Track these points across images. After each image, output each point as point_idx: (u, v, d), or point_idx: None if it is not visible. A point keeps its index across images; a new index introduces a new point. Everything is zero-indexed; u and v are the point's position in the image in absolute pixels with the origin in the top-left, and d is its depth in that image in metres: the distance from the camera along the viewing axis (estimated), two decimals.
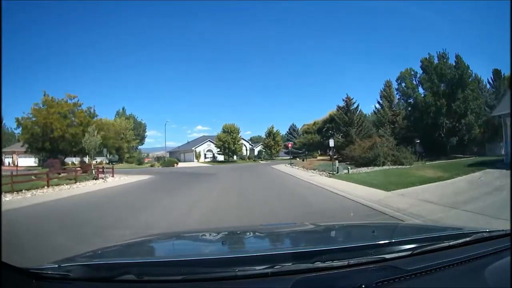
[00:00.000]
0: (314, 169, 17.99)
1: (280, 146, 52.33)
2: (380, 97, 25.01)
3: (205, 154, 51.50)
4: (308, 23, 73.33)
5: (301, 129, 39.98)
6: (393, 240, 1.31)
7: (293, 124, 54.21)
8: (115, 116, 50.48)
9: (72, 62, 69.63)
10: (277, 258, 1.08)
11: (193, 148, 50.79)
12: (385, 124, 23.03)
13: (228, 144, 46.97)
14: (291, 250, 1.27)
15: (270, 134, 52.34)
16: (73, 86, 75.74)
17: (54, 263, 1.13)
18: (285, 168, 23.62)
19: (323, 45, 76.39)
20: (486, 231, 1.40)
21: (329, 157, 35.45)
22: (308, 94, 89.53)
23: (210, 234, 2.05)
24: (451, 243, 1.25)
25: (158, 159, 44.43)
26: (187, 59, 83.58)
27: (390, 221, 4.85)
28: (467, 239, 1.30)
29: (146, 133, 57.45)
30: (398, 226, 2.38)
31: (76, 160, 43.36)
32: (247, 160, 53.33)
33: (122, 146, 44.16)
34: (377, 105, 26.05)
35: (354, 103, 26.79)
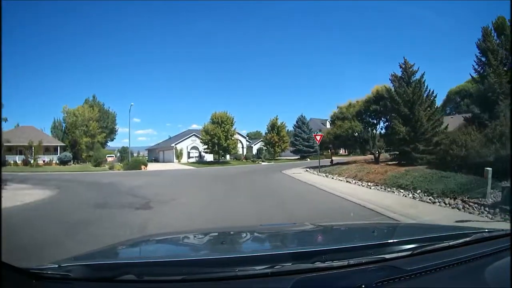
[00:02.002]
0: (398, 186, 9.57)
1: (286, 143, 39.78)
2: (481, 51, 12.89)
3: (188, 153, 38.02)
4: (308, 22, 77.23)
5: (328, 116, 28.01)
6: (393, 240, 1.33)
7: (302, 116, 42.29)
8: (84, 104, 43.48)
9: (66, 61, 73.44)
10: (277, 258, 1.11)
11: (172, 145, 37.61)
12: (500, 97, 10.94)
13: (218, 139, 39.06)
14: (291, 250, 1.30)
15: (274, 127, 39.27)
16: (71, 87, 75.58)
17: (54, 263, 1.15)
18: (317, 178, 15.34)
19: (323, 44, 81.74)
20: (486, 231, 1.42)
21: (368, 156, 22.83)
22: (309, 90, 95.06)
23: (210, 234, 2.06)
24: (451, 243, 1.27)
25: (122, 159, 37.02)
26: (183, 57, 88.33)
27: (390, 221, 4.91)
28: (467, 239, 1.32)
29: (116, 126, 49.77)
30: (398, 226, 2.48)
31: (19, 159, 35.43)
32: (244, 160, 39.95)
33: (79, 141, 37.90)
34: (476, 66, 14.02)
35: (416, 71, 17.47)
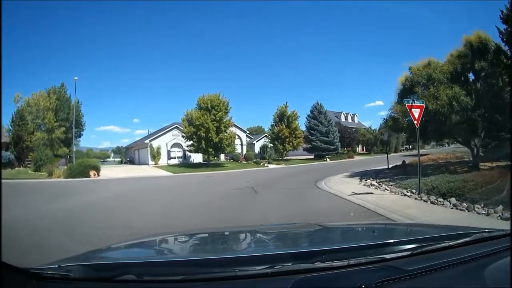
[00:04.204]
0: None
1: (299, 138, 27.40)
2: None
3: (169, 152, 25.23)
4: (307, 21, 74.88)
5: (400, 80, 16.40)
6: (393, 240, 1.37)
7: (318, 104, 30.38)
8: (39, 91, 34.29)
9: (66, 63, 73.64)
10: (277, 258, 1.14)
11: (146, 142, 24.97)
12: None
13: (206, 131, 26.82)
14: (291, 250, 1.34)
15: (283, 117, 27.02)
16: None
17: (54, 263, 1.19)
18: None
19: (321, 44, 77.15)
20: (486, 231, 1.47)
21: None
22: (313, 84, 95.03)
23: (210, 234, 2.10)
24: (451, 243, 1.30)
25: (69, 159, 29.46)
26: (181, 55, 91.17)
27: (390, 222, 5.06)
28: (467, 239, 1.35)
29: (83, 119, 40.77)
30: (398, 226, 2.58)
31: None
32: (243, 162, 26.85)
33: (23, 137, 28.25)
34: None
35: None
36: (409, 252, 1.20)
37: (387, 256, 1.16)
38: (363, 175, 15.21)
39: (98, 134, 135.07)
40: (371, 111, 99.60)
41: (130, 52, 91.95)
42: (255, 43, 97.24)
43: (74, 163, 24.96)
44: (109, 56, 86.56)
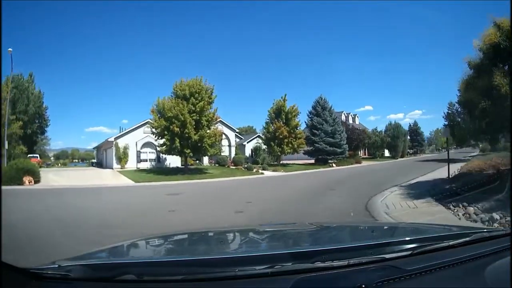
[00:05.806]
0: None
1: (300, 138, 20.23)
2: None
3: (139, 153, 17.39)
4: (302, 22, 70.37)
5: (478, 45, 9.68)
6: (393, 240, 1.39)
7: (321, 98, 23.49)
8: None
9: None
10: (277, 258, 1.16)
11: (111, 139, 17.38)
12: None
13: (182, 126, 20.17)
14: (291, 250, 1.37)
15: (280, 113, 19.82)
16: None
17: (54, 263, 1.22)
18: None
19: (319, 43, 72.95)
20: (486, 231, 1.48)
21: None
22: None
23: (210, 234, 2.10)
24: (451, 243, 1.32)
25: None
26: (172, 55, 79.75)
27: (390, 222, 5.08)
28: (467, 239, 1.37)
29: (47, 113, 35.96)
30: (398, 226, 2.54)
31: None
32: (232, 167, 18.91)
33: None
34: None
35: None
36: (409, 252, 1.21)
37: (387, 256, 1.17)
38: (431, 193, 9.25)
39: (88, 134, 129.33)
40: (361, 116, 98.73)
41: (124, 51, 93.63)
42: (248, 43, 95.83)
43: (6, 165, 20.35)
44: (100, 56, 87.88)
